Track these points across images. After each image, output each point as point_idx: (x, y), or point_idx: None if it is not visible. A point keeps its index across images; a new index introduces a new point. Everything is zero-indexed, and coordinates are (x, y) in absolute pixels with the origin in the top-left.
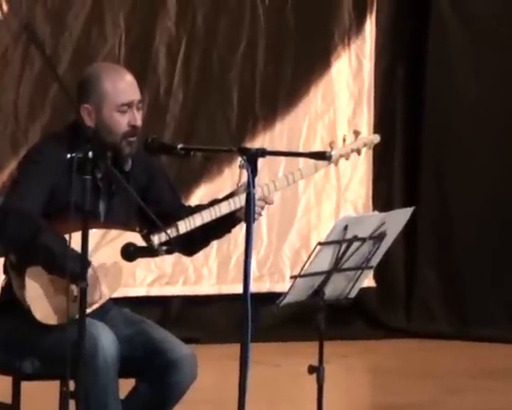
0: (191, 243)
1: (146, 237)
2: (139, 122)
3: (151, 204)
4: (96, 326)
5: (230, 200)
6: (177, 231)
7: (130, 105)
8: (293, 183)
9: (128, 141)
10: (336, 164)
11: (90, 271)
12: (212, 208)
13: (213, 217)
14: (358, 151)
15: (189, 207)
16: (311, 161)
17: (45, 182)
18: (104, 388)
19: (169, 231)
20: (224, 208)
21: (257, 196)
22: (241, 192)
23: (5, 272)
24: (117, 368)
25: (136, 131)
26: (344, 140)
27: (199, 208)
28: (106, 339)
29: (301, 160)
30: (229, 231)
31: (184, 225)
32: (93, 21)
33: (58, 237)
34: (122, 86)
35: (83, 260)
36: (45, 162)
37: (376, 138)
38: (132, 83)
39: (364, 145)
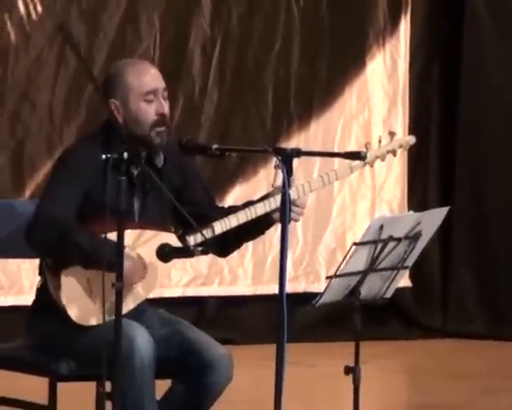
0: (225, 244)
1: (181, 238)
2: (167, 110)
3: (185, 205)
4: (132, 327)
5: (266, 201)
6: (213, 231)
7: (155, 93)
8: (329, 183)
9: (157, 131)
10: (372, 165)
11: (132, 253)
12: (247, 209)
13: (249, 218)
14: (394, 152)
15: (223, 208)
16: (347, 162)
17: (78, 184)
18: (141, 389)
19: (204, 232)
20: (259, 209)
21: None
22: (276, 193)
23: (41, 273)
24: (153, 369)
25: (164, 120)
26: (379, 141)
27: (233, 210)
28: (142, 340)
29: (336, 160)
30: (262, 233)
31: (220, 226)
32: (128, 22)
33: (86, 233)
34: (146, 76)
35: (119, 259)
36: (78, 164)
37: (412, 140)
38: (156, 73)
39: (400, 146)
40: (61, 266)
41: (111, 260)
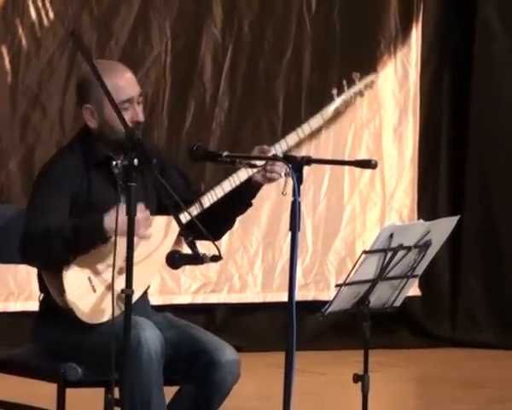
0: (215, 224)
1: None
2: (141, 117)
3: (167, 195)
4: (138, 321)
5: (248, 169)
6: (201, 205)
7: (130, 101)
8: (303, 136)
9: None
10: (343, 111)
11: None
12: (230, 177)
13: (233, 185)
14: (361, 93)
15: (202, 190)
16: (319, 111)
17: (64, 192)
18: (148, 380)
19: (193, 208)
20: (241, 175)
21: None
22: (255, 154)
23: (41, 289)
24: (161, 362)
25: (139, 127)
26: (345, 85)
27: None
28: (149, 333)
29: (346, 168)
30: (250, 204)
31: (207, 199)
32: (139, 29)
33: (65, 222)
34: (121, 84)
35: (128, 266)
36: (61, 173)
37: (376, 78)
38: (131, 79)
39: (366, 86)
40: (60, 269)
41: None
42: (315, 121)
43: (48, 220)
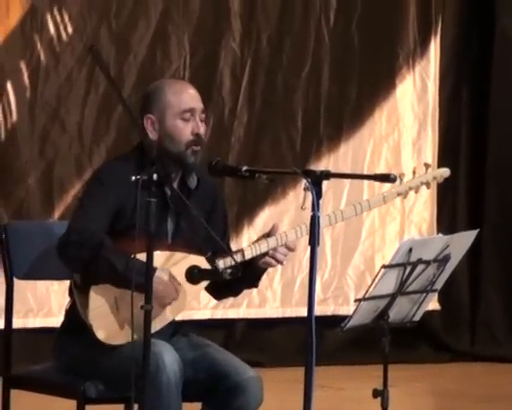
0: (221, 287)
1: (210, 261)
2: (202, 130)
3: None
4: (158, 345)
5: (297, 228)
6: (243, 256)
7: (192, 113)
8: (361, 213)
9: (192, 150)
10: (405, 196)
11: (164, 276)
12: (278, 235)
13: (279, 243)
14: (427, 184)
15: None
16: (381, 193)
17: (110, 202)
18: (168, 405)
19: (235, 257)
20: (290, 235)
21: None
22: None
23: (70, 294)
24: (180, 387)
25: (200, 140)
26: (414, 172)
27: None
28: (168, 357)
29: (366, 182)
30: (255, 285)
31: (250, 251)
32: (158, 43)
33: (119, 253)
34: (185, 95)
35: (147, 281)
36: (111, 183)
37: (446, 172)
38: (195, 94)
39: (434, 179)
40: (89, 284)
41: (141, 283)
42: (375, 201)
43: (88, 223)
